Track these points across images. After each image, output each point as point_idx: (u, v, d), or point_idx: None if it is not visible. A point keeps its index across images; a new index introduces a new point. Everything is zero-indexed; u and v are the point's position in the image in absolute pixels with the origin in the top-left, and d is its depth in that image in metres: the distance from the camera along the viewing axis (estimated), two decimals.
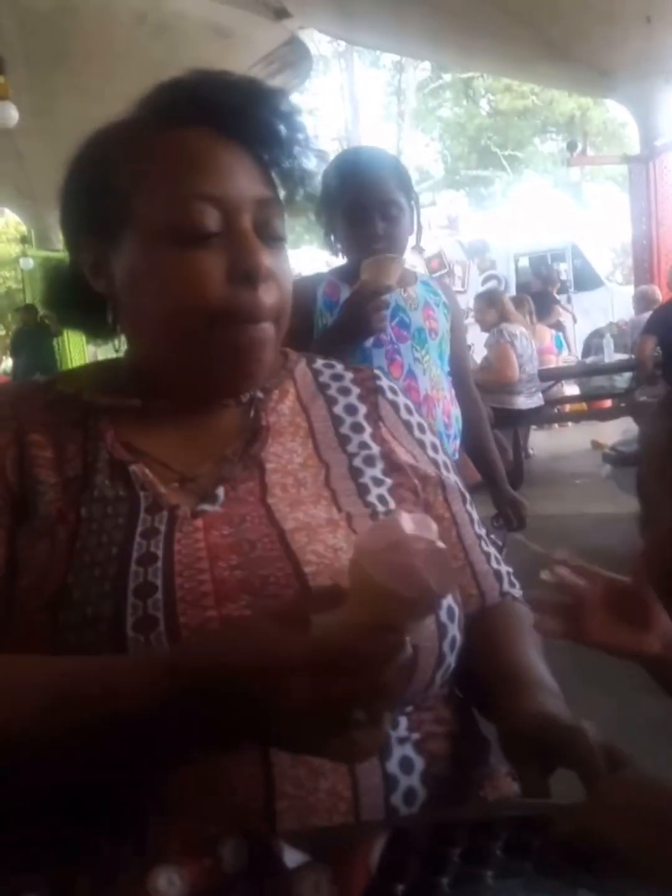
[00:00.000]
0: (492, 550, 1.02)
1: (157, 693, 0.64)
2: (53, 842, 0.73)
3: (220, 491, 0.85)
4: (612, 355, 7.99)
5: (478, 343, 7.23)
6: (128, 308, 0.88)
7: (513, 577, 1.03)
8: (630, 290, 11.13)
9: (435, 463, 1.00)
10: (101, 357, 1.09)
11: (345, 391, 0.98)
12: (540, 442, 8.84)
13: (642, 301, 8.86)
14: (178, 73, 0.86)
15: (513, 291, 11.56)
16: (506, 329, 6.60)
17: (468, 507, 1.02)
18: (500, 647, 0.92)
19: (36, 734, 0.68)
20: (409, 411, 1.02)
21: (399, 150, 22.50)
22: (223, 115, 0.84)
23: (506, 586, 1.01)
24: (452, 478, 1.01)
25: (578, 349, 10.37)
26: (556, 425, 9.80)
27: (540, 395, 6.87)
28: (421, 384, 2.03)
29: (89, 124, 0.90)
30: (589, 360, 8.82)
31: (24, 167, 9.94)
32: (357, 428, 0.95)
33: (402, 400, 1.02)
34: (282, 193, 0.89)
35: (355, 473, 0.91)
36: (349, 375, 1.00)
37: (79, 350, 10.49)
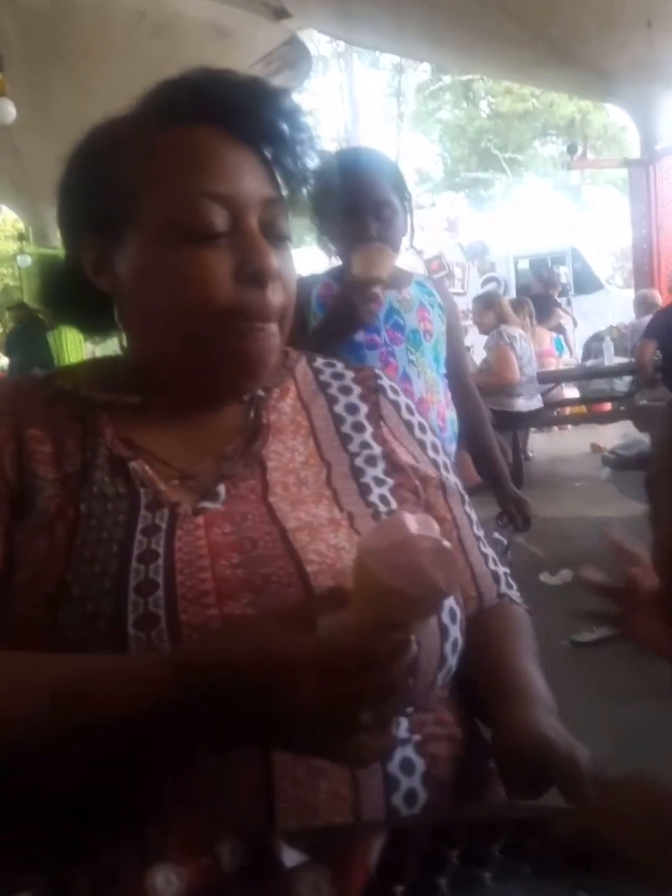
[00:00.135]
0: (489, 551, 1.02)
1: (162, 693, 0.64)
2: (52, 841, 0.72)
3: (222, 488, 0.85)
4: (611, 359, 8.01)
5: (476, 345, 7.24)
6: (132, 305, 0.87)
7: (510, 578, 1.04)
8: (630, 294, 11.15)
9: (435, 463, 1.00)
10: (99, 355, 1.08)
11: (346, 390, 0.98)
12: (539, 445, 8.85)
13: (642, 305, 8.87)
14: (177, 71, 0.86)
15: (512, 294, 11.57)
16: (505, 331, 6.61)
17: (467, 508, 1.02)
18: (496, 654, 0.92)
19: (38, 733, 0.68)
20: (410, 411, 1.02)
21: (398, 151, 22.51)
22: (229, 113, 0.84)
23: (503, 587, 1.01)
24: (452, 479, 1.01)
25: (578, 352, 10.39)
26: (556, 428, 9.81)
27: (539, 397, 6.88)
28: (415, 387, 2.01)
29: (87, 121, 0.90)
30: (589, 363, 8.84)
31: (21, 164, 9.91)
32: (358, 427, 0.95)
33: (403, 400, 1.02)
34: (285, 193, 0.89)
35: (357, 473, 0.91)
36: (350, 374, 1.00)
37: (76, 348, 10.47)
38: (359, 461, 0.92)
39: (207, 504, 0.84)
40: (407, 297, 2.07)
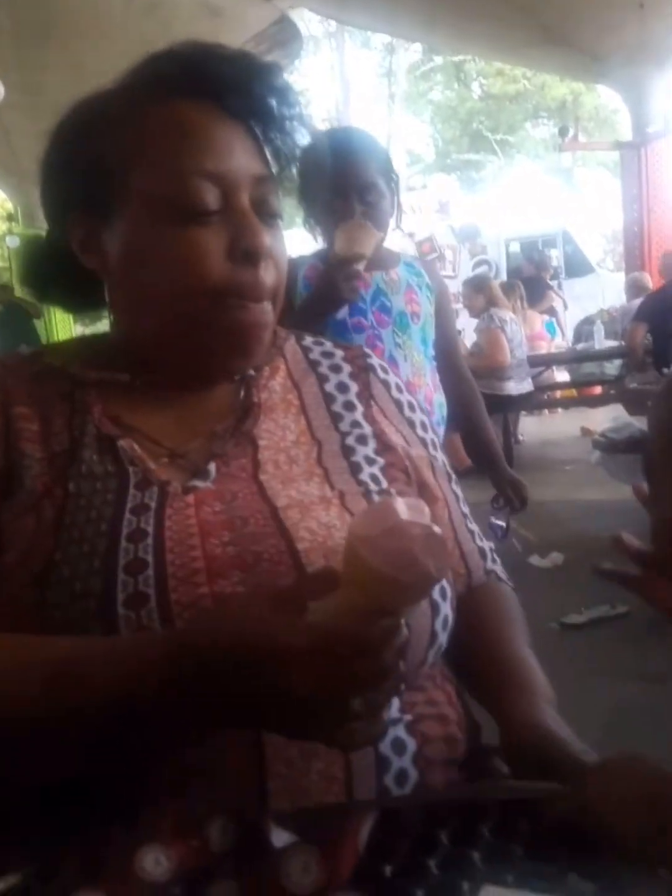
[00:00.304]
0: (475, 527, 1.03)
1: (153, 674, 0.64)
2: (41, 822, 0.72)
3: (212, 467, 0.84)
4: (602, 342, 8.02)
5: (467, 329, 7.24)
6: (122, 284, 0.86)
7: (494, 554, 1.05)
8: (621, 277, 11.16)
9: (424, 442, 1.00)
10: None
11: (336, 368, 0.98)
12: (530, 428, 8.87)
13: (633, 288, 8.88)
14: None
15: (504, 277, 11.57)
16: (496, 314, 6.61)
17: (454, 486, 1.03)
18: (491, 638, 0.93)
19: (29, 715, 0.68)
20: (399, 390, 1.02)
21: (389, 132, 22.44)
22: (220, 88, 0.83)
23: (489, 563, 1.03)
24: (440, 456, 1.02)
25: (569, 336, 10.39)
26: (546, 412, 9.83)
27: (529, 380, 6.89)
28: (402, 370, 1.99)
29: None
30: (579, 346, 8.85)
31: (10, 144, 9.83)
32: (349, 406, 0.95)
33: (392, 378, 1.02)
34: (275, 170, 0.88)
35: (348, 452, 0.90)
36: (340, 353, 1.00)
37: (66, 331, 10.42)
38: (350, 440, 0.92)
39: (197, 482, 0.83)
40: (394, 279, 2.05)
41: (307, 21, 16.67)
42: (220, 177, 0.81)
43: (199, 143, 0.82)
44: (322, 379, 0.96)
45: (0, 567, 0.77)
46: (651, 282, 8.80)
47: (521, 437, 8.11)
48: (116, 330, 0.92)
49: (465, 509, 1.03)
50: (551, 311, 10.20)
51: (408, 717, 0.81)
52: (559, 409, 9.79)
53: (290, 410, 0.92)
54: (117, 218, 0.83)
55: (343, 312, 1.97)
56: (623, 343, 7.42)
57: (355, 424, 0.93)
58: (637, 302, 7.56)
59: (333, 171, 1.86)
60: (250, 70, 0.84)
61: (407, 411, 1.00)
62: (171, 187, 0.80)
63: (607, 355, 7.95)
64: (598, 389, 8.88)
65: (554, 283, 11.52)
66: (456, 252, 13.36)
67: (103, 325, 0.95)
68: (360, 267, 1.85)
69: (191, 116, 0.83)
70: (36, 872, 0.63)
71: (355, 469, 0.89)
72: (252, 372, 0.92)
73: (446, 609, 0.86)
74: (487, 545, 1.04)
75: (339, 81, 24.81)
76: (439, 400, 2.14)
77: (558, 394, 9.37)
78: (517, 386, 6.64)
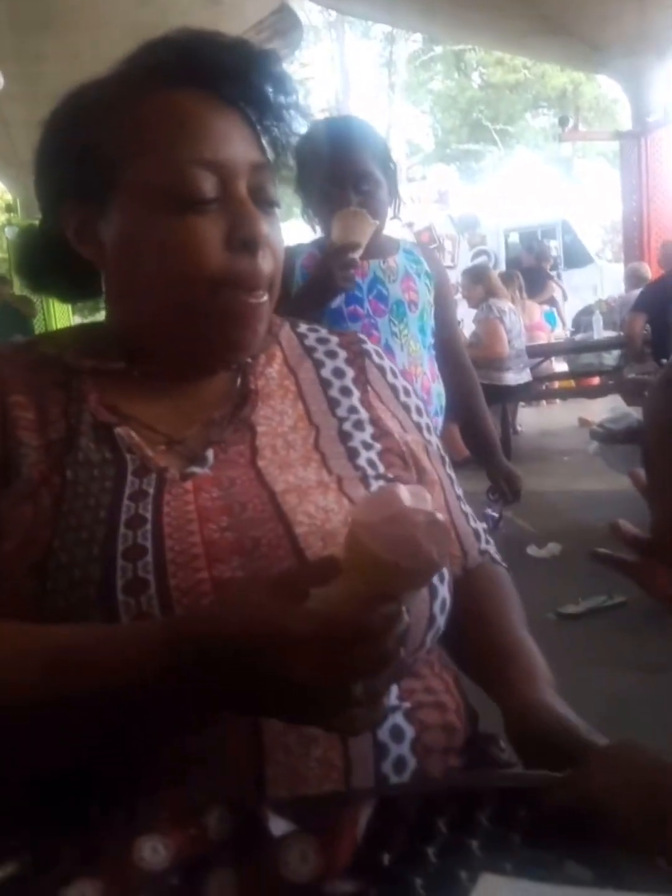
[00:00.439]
0: (468, 509, 1.04)
1: (153, 661, 0.64)
2: (39, 811, 0.72)
3: (210, 453, 0.84)
4: (600, 332, 8.01)
5: (466, 319, 7.23)
6: (118, 273, 0.86)
7: (487, 535, 1.05)
8: (620, 268, 11.14)
9: (419, 426, 1.00)
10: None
11: (332, 354, 0.98)
12: (528, 419, 8.88)
13: (632, 278, 8.87)
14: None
15: (503, 267, 11.54)
16: (495, 304, 6.61)
17: (448, 469, 1.03)
18: (490, 622, 0.93)
19: (29, 703, 0.68)
20: (394, 375, 1.02)
21: (389, 122, 22.38)
22: (216, 76, 0.82)
23: (483, 544, 1.03)
24: (435, 440, 1.03)
25: (568, 326, 10.38)
26: (545, 402, 9.83)
27: (528, 370, 6.88)
28: (398, 360, 1.96)
29: None
30: (578, 337, 8.83)
31: (9, 134, 9.79)
32: (345, 392, 0.95)
33: (387, 364, 1.02)
34: (271, 158, 0.87)
35: (345, 437, 0.90)
36: (335, 339, 1.00)
37: (64, 324, 10.41)
38: (347, 426, 0.92)
39: (196, 469, 0.83)
40: (392, 266, 2.03)
41: (307, 11, 16.58)
42: (218, 165, 0.81)
43: (195, 132, 0.81)
44: (318, 364, 0.96)
45: None
46: (650, 272, 8.78)
47: (519, 428, 8.12)
48: (112, 319, 0.91)
49: (459, 491, 1.03)
50: (551, 302, 10.19)
51: (406, 704, 0.81)
52: (557, 400, 9.80)
53: (287, 396, 0.92)
54: (113, 207, 0.83)
55: (339, 301, 1.96)
56: (622, 333, 7.41)
57: (352, 410, 0.93)
58: (636, 292, 7.55)
59: (330, 160, 1.86)
60: (246, 58, 0.84)
61: (402, 396, 1.00)
62: (167, 176, 0.80)
63: (606, 346, 7.94)
64: (596, 380, 8.88)
65: (553, 274, 11.51)
66: (455, 242, 13.34)
67: (101, 317, 0.95)
68: (356, 255, 1.84)
69: (187, 104, 0.82)
70: (34, 861, 0.63)
71: (352, 454, 0.89)
72: (249, 359, 0.91)
73: (444, 592, 0.86)
74: (480, 526, 1.05)
75: (340, 71, 24.73)
76: (437, 390, 2.12)
77: (556, 384, 9.37)
78: (516, 376, 6.64)
